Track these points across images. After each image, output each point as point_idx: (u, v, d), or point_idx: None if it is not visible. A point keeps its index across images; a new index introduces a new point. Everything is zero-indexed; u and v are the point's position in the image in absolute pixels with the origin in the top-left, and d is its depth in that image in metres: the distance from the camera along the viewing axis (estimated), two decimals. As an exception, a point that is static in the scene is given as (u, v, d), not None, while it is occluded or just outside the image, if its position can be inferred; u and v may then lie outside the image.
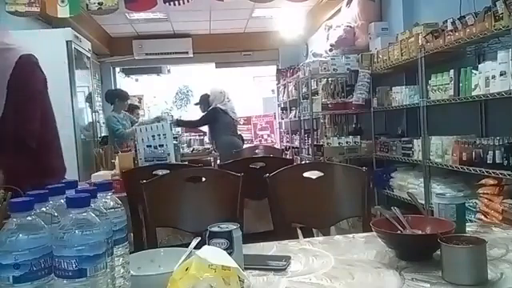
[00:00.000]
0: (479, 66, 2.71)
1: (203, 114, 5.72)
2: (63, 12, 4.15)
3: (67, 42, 4.51)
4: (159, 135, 3.22)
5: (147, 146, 3.20)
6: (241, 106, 7.50)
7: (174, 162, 3.20)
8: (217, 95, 5.42)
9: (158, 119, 4.76)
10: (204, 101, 5.73)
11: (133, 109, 6.77)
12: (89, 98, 5.31)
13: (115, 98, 5.57)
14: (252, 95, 10.93)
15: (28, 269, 0.72)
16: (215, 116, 5.38)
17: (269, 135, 9.29)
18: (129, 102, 6.03)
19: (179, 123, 5.93)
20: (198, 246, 1.05)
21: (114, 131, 5.24)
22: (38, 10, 4.15)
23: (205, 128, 6.17)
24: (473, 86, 2.70)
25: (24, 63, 1.44)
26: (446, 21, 2.95)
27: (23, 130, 1.43)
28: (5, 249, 0.71)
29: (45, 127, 1.53)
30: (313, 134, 5.25)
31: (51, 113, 1.60)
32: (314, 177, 1.92)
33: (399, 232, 1.26)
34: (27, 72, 1.46)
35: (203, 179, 2.06)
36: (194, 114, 6.84)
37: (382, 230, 1.23)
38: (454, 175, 3.14)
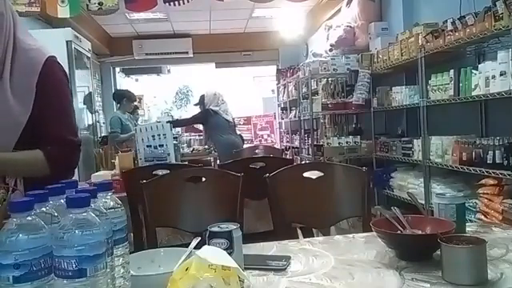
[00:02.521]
0: (479, 66, 2.71)
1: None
2: (63, 12, 4.16)
3: (67, 41, 4.51)
4: (159, 135, 3.22)
5: (147, 146, 3.20)
6: (241, 106, 7.51)
7: (174, 162, 3.20)
8: (211, 97, 5.44)
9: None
10: (202, 101, 5.75)
11: (133, 109, 6.78)
12: (89, 98, 5.31)
13: (123, 98, 5.61)
14: (252, 95, 10.95)
15: (28, 269, 0.72)
16: (206, 117, 5.40)
17: (269, 135, 9.28)
18: (135, 103, 6.09)
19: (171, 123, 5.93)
20: (198, 246, 1.05)
21: (110, 131, 5.31)
22: (38, 10, 4.16)
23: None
24: (473, 86, 2.70)
25: (55, 65, 1.43)
26: (446, 21, 2.95)
27: (65, 131, 1.39)
28: (5, 249, 0.71)
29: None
30: (313, 134, 5.26)
31: None
32: (314, 177, 1.92)
33: (399, 232, 1.26)
34: (60, 73, 1.45)
35: (203, 179, 2.05)
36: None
37: (382, 230, 1.23)
38: (454, 175, 3.13)
